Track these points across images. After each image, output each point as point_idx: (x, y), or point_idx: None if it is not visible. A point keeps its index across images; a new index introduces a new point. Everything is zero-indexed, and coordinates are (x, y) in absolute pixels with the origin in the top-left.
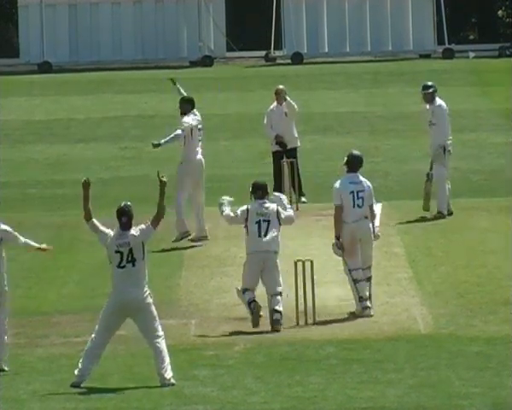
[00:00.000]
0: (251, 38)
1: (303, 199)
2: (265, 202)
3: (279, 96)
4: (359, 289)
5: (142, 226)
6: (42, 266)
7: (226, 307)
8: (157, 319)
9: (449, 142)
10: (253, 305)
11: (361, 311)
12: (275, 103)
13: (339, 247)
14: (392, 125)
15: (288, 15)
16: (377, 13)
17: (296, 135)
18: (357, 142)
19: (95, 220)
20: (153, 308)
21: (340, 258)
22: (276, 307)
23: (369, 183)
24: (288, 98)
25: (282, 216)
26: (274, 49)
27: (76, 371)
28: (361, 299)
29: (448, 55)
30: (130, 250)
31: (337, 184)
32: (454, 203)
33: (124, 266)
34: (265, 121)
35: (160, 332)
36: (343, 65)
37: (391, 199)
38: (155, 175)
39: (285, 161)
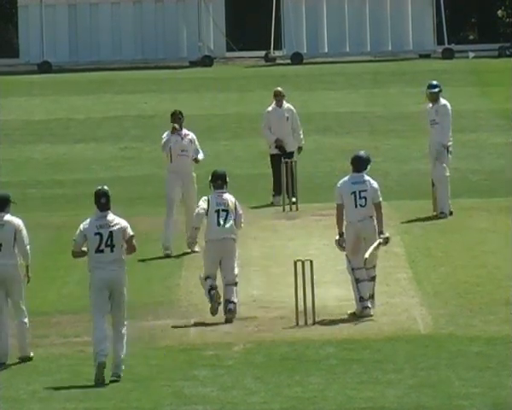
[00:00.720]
0: (251, 38)
1: (293, 199)
2: (224, 193)
3: (278, 97)
4: (360, 288)
5: (129, 230)
6: (42, 266)
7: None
8: (125, 303)
9: (450, 143)
10: (212, 292)
11: (361, 311)
12: (273, 105)
13: (340, 244)
14: (391, 126)
15: (287, 15)
16: (377, 13)
17: (292, 139)
18: (357, 142)
19: (79, 250)
20: (125, 291)
21: (345, 254)
22: (232, 299)
23: (373, 183)
24: (290, 106)
25: (239, 211)
26: (274, 49)
27: (98, 352)
28: (361, 299)
29: (448, 55)
30: (111, 234)
31: (339, 184)
32: (454, 203)
33: (102, 251)
34: (263, 124)
35: (125, 320)
36: (343, 65)
37: (391, 199)
38: (155, 175)
39: (285, 161)
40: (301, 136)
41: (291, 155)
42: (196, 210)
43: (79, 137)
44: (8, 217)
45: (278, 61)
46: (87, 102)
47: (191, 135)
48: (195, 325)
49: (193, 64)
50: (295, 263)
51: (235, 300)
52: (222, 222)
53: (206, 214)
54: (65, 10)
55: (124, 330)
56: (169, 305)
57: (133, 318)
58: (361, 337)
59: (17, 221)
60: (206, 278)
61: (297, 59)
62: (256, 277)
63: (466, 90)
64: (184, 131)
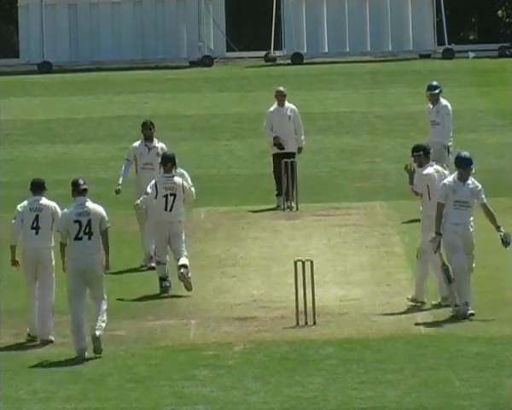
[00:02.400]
0: (251, 38)
1: (293, 204)
2: (172, 177)
3: (280, 97)
4: (461, 292)
5: (105, 216)
6: None
7: (226, 308)
8: (104, 286)
9: (450, 143)
10: (164, 285)
11: (463, 314)
12: (275, 105)
13: (436, 243)
14: (391, 126)
15: (288, 15)
16: (377, 13)
17: (294, 141)
18: (357, 142)
19: (63, 242)
20: (102, 278)
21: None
22: (183, 263)
23: (476, 184)
24: (292, 106)
25: (186, 187)
26: (274, 49)
27: (76, 347)
28: (466, 304)
29: (448, 55)
30: (89, 222)
31: (446, 181)
32: None
33: (81, 238)
34: (265, 123)
35: (105, 298)
36: (343, 65)
37: (390, 199)
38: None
39: (284, 162)
40: (302, 136)
41: (292, 155)
42: (144, 196)
43: (79, 137)
44: (44, 201)
45: (278, 61)
46: (87, 102)
47: (160, 147)
48: (196, 324)
49: (193, 64)
50: (295, 263)
51: (187, 262)
52: (169, 207)
53: (156, 198)
54: (65, 10)
55: (104, 304)
56: (169, 305)
57: (133, 318)
58: (361, 337)
59: (53, 204)
60: (159, 263)
61: (297, 59)
62: (256, 277)
63: (466, 90)
64: (155, 142)
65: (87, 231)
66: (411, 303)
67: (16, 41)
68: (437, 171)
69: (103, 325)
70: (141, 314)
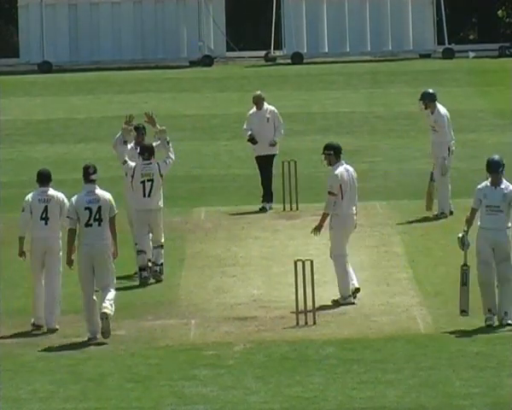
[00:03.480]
0: (251, 37)
1: (267, 206)
2: (150, 163)
3: (258, 102)
4: (486, 297)
5: (113, 203)
6: None
7: (226, 307)
8: (113, 273)
9: (452, 142)
10: (143, 276)
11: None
12: (254, 108)
13: (463, 242)
14: (391, 125)
15: (288, 15)
16: (377, 13)
17: (278, 134)
18: (357, 142)
19: (73, 228)
20: (111, 263)
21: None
22: (159, 261)
23: (510, 189)
24: (271, 107)
25: (162, 167)
26: (274, 49)
27: (90, 328)
28: (489, 311)
29: (448, 54)
30: (99, 209)
31: (480, 186)
32: (454, 203)
33: (91, 225)
34: (245, 125)
35: (112, 285)
36: (343, 65)
37: (391, 199)
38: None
39: (286, 161)
40: (282, 132)
41: (270, 158)
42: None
43: (79, 137)
44: (52, 191)
45: (278, 61)
46: (87, 102)
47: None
48: (196, 324)
49: (193, 64)
50: (295, 263)
51: (162, 261)
52: (147, 193)
53: (129, 178)
54: (65, 10)
55: (112, 292)
56: (169, 305)
57: (133, 317)
58: (361, 337)
59: (61, 195)
60: (139, 252)
61: (297, 59)
62: (256, 276)
63: (466, 90)
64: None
65: (97, 217)
66: (337, 300)
67: (16, 41)
68: (347, 170)
69: (112, 307)
70: (141, 314)
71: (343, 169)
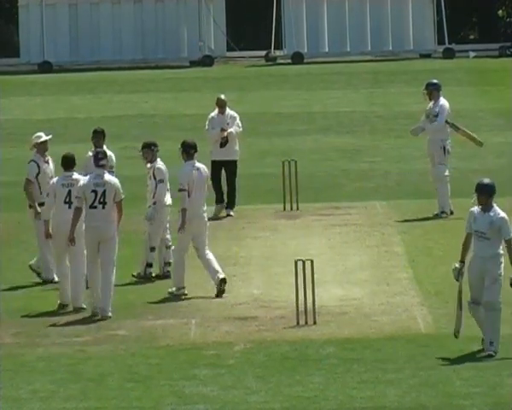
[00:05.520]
0: (251, 37)
1: (231, 213)
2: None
3: (221, 105)
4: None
5: (119, 187)
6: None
7: (226, 307)
8: (114, 252)
9: (448, 141)
10: (149, 271)
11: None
12: (216, 111)
13: (457, 272)
14: (392, 125)
15: (288, 15)
16: (377, 12)
17: (237, 148)
18: (357, 141)
19: (79, 207)
20: (116, 243)
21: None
22: (170, 260)
23: (500, 216)
24: (233, 113)
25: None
26: (274, 48)
27: (94, 304)
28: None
29: (448, 54)
30: (104, 192)
31: (471, 208)
32: (454, 203)
33: (95, 207)
34: (207, 126)
35: (113, 264)
36: (343, 65)
37: (391, 199)
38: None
39: (286, 161)
40: (239, 125)
41: (232, 164)
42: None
43: (79, 137)
44: (76, 175)
45: (279, 61)
46: (87, 102)
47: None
48: (196, 324)
49: (193, 64)
50: (296, 263)
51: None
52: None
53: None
54: (65, 10)
55: (112, 274)
56: (169, 304)
57: (134, 317)
58: (361, 337)
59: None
60: (153, 248)
61: (297, 58)
62: (256, 276)
63: (466, 90)
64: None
65: (101, 200)
66: (173, 292)
67: (17, 41)
68: (197, 168)
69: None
70: (141, 314)
71: (190, 166)
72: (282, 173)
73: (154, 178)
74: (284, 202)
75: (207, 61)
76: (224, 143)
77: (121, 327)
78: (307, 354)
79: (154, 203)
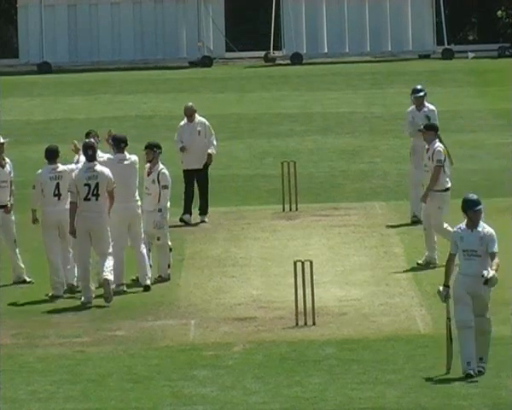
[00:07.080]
0: (250, 38)
1: (205, 219)
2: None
3: (189, 114)
4: (464, 347)
5: (111, 178)
6: (42, 265)
7: (226, 308)
8: (109, 241)
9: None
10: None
11: (464, 372)
12: (185, 120)
13: (441, 294)
14: (391, 126)
15: (287, 16)
16: (377, 13)
17: (211, 146)
18: (356, 142)
19: (74, 202)
20: (107, 233)
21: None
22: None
23: (488, 232)
24: (203, 119)
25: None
26: (273, 49)
27: (85, 294)
28: (468, 364)
29: (447, 55)
30: (97, 185)
31: (456, 228)
32: (453, 204)
33: (89, 199)
34: (176, 137)
35: (109, 253)
36: (342, 65)
37: (390, 199)
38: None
39: (285, 161)
40: (214, 142)
41: (201, 171)
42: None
43: (79, 138)
44: (61, 167)
45: (278, 62)
46: (86, 103)
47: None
48: (195, 325)
49: (192, 64)
50: (295, 263)
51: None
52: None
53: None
54: (64, 11)
55: (111, 260)
56: (169, 305)
57: (133, 318)
58: (361, 337)
59: (71, 168)
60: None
61: (297, 59)
62: (256, 277)
63: (465, 91)
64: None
65: (95, 192)
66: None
67: (16, 41)
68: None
69: (111, 273)
70: (140, 315)
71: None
72: (281, 174)
73: (158, 183)
74: (283, 203)
75: (206, 61)
76: (207, 165)
77: (120, 328)
78: (306, 355)
79: (160, 210)
